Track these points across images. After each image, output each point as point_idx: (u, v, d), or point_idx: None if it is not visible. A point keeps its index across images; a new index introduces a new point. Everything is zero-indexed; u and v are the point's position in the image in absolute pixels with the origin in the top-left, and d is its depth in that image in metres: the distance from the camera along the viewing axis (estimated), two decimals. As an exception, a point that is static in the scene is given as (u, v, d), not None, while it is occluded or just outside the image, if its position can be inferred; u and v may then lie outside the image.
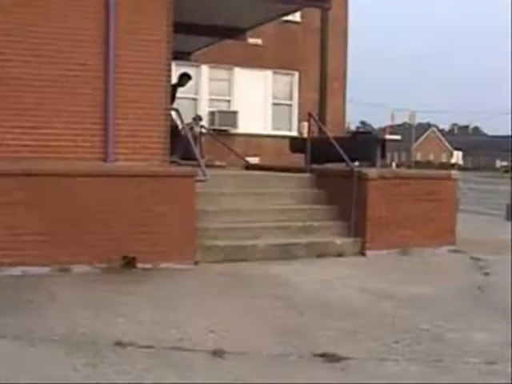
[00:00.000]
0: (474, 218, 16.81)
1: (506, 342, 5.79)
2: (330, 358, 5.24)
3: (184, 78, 14.91)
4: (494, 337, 5.95)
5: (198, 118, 17.58)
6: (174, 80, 13.40)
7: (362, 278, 8.49)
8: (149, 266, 8.47)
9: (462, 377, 4.93)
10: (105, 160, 9.67)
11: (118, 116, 9.77)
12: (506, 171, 44.51)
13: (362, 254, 10.11)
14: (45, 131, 9.43)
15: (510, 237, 12.57)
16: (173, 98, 14.04)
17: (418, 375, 4.94)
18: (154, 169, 9.36)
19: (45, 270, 8.00)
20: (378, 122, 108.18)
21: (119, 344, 5.41)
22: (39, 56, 9.41)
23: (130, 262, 8.39)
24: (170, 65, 10.22)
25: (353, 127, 67.03)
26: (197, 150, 10.65)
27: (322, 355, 5.28)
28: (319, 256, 9.72)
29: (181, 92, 14.37)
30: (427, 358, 5.33)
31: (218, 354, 5.26)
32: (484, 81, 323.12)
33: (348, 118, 37.26)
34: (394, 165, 64.89)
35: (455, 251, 10.71)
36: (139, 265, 8.43)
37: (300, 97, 21.00)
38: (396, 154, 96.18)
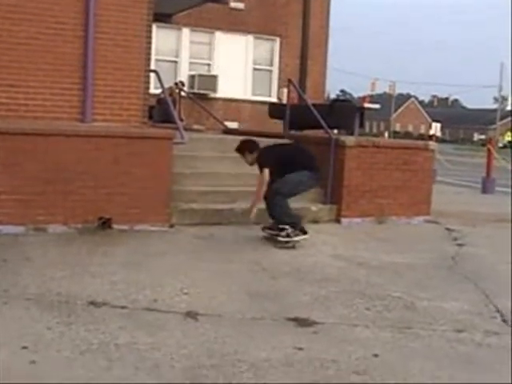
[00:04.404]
0: (451, 190, 16.96)
1: (475, 311, 5.91)
2: (302, 322, 5.31)
3: None
4: (464, 306, 6.06)
5: (180, 84, 17.51)
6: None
7: (336, 245, 8.56)
8: (125, 227, 8.47)
9: (429, 343, 5.02)
10: (82, 120, 9.60)
11: (97, 76, 9.68)
12: (483, 144, 44.75)
13: (338, 221, 10.16)
14: (22, 90, 9.32)
15: (484, 210, 12.72)
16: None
17: (388, 340, 5.03)
18: (132, 130, 9.31)
19: (20, 229, 7.98)
20: (358, 91, 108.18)
21: (93, 304, 5.45)
22: (18, 13, 9.28)
23: (105, 223, 8.39)
24: (150, 26, 10.12)
25: (333, 95, 66.74)
26: (175, 113, 10.61)
27: (295, 319, 5.36)
28: (295, 222, 9.75)
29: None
30: (397, 324, 5.42)
31: (191, 315, 5.31)
32: (465, 54, 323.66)
33: (328, 87, 37.11)
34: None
35: (430, 221, 10.80)
36: (115, 226, 8.43)
37: (281, 63, 20.88)
38: (375, 124, 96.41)
